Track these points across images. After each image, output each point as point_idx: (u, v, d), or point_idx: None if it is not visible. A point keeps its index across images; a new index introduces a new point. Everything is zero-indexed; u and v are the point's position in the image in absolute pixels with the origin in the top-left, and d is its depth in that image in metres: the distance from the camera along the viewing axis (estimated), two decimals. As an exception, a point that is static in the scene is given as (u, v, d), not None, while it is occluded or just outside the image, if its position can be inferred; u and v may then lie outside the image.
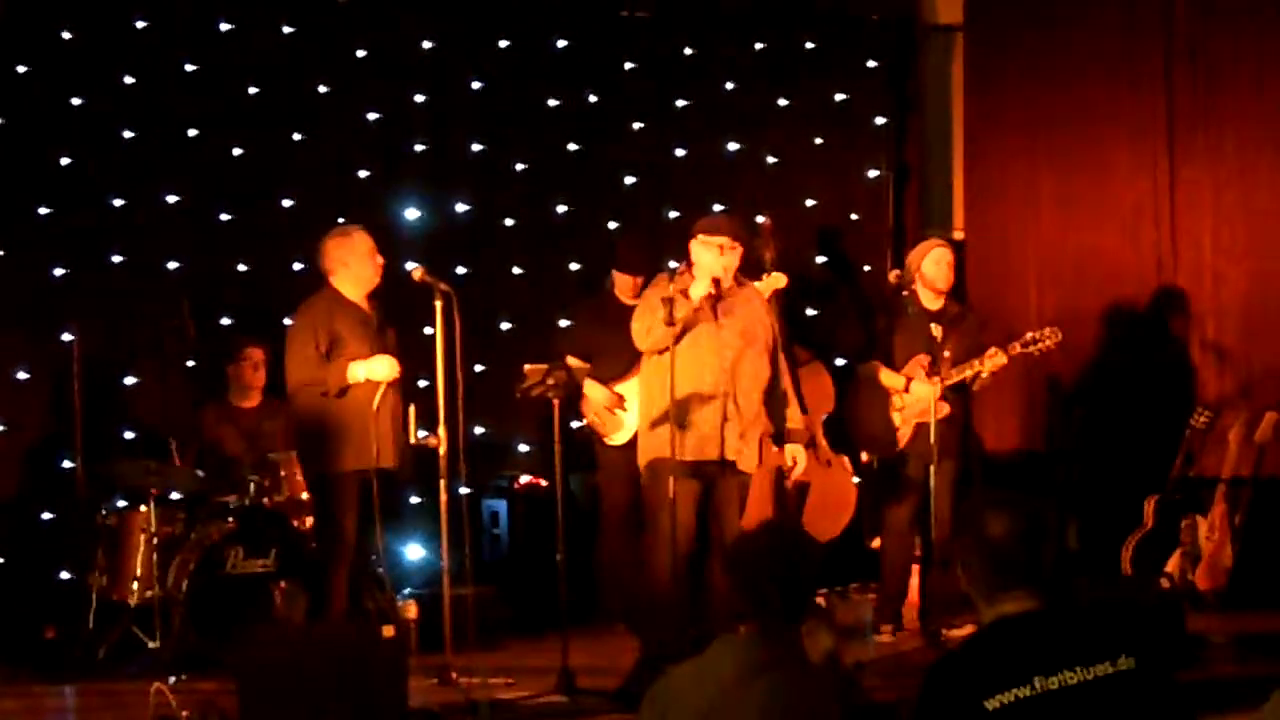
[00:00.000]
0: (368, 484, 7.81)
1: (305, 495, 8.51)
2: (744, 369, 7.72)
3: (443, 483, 7.49)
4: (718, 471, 7.65)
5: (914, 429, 8.53)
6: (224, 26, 9.74)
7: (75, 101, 9.34)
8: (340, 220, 8.45)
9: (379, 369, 7.80)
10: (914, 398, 8.50)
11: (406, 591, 8.71)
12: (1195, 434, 9.63)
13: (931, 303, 8.67)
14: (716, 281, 7.58)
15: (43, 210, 9.24)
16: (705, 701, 3.77)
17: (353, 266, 8.03)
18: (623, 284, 8.86)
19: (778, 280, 8.93)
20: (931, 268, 8.68)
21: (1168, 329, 10.45)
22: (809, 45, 11.15)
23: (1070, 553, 9.89)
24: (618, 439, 8.63)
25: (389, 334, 8.07)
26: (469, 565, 8.30)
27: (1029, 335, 8.59)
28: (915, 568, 9.15)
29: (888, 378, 8.63)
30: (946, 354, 8.48)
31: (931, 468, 8.31)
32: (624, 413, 8.60)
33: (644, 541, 7.82)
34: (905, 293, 8.67)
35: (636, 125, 10.70)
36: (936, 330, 8.52)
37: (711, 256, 7.64)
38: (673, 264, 7.90)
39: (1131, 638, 3.71)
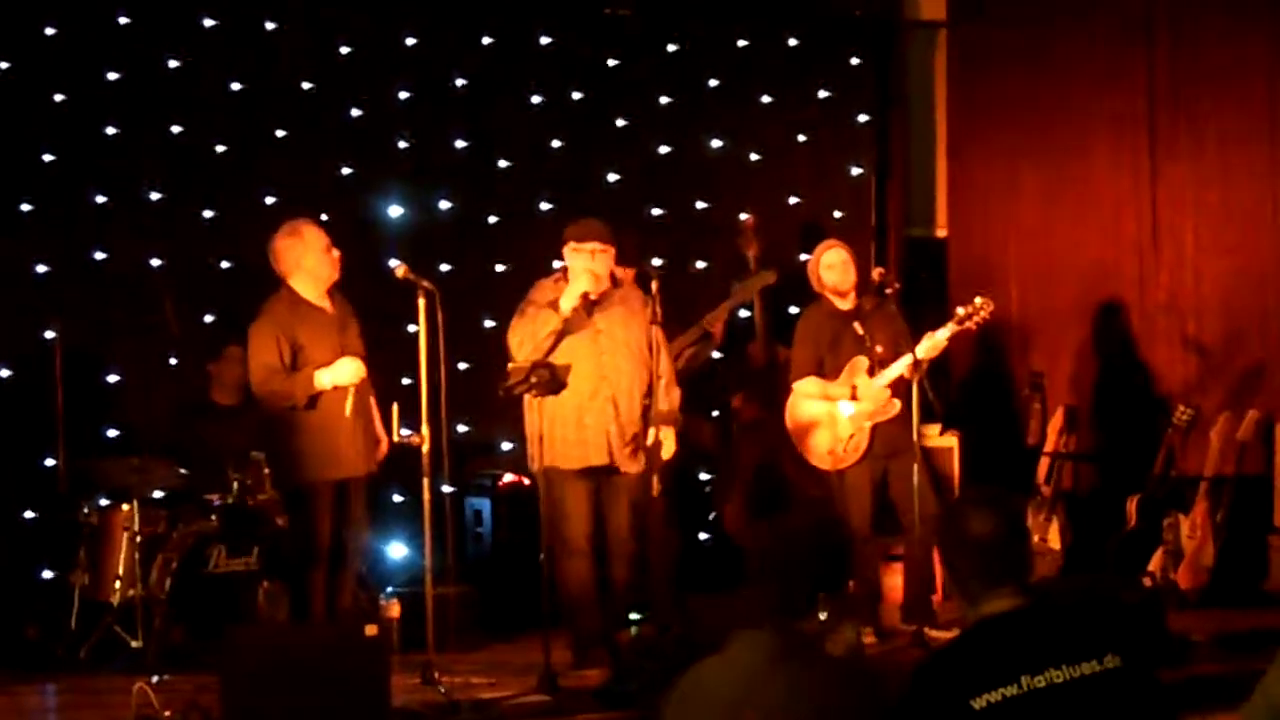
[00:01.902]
0: (343, 489, 7.78)
1: (286, 495, 8.48)
2: (624, 370, 7.88)
3: (425, 481, 7.47)
4: (604, 475, 7.84)
5: (870, 432, 8.50)
6: (207, 23, 9.73)
7: (58, 97, 9.34)
8: (324, 217, 8.43)
9: (343, 373, 7.70)
10: (865, 401, 8.46)
11: (389, 590, 8.69)
12: (1177, 432, 9.65)
13: (843, 305, 8.66)
14: (586, 294, 7.74)
15: (25, 206, 9.24)
16: (731, 693, 3.79)
17: (308, 266, 7.87)
18: (625, 279, 8.84)
19: (766, 277, 8.93)
20: (828, 274, 8.66)
21: (1149, 326, 10.46)
22: (792, 42, 11.15)
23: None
24: None
25: (351, 331, 7.95)
26: (451, 564, 8.31)
27: (961, 312, 8.51)
28: (887, 566, 9.18)
29: (829, 389, 8.57)
30: (879, 349, 8.47)
31: (916, 466, 8.31)
32: None
33: (551, 551, 7.87)
34: (820, 299, 8.67)
35: (620, 122, 10.70)
36: (860, 329, 8.51)
37: (583, 263, 7.79)
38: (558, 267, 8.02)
39: (1118, 636, 3.74)
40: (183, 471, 8.63)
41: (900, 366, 8.37)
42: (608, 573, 8.00)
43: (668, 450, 8.07)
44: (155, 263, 9.47)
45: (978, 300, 8.52)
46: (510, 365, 7.68)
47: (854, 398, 8.48)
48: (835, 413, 8.51)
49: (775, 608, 3.92)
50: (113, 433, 9.23)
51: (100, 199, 9.41)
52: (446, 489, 8.09)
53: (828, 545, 4.03)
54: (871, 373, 8.47)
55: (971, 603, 3.82)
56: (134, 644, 8.05)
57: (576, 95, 10.61)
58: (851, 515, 8.55)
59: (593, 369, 7.80)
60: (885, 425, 8.47)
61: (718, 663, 3.90)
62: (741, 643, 3.90)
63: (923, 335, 8.45)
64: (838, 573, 4.03)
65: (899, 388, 8.45)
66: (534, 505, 7.81)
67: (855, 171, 11.22)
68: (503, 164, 10.37)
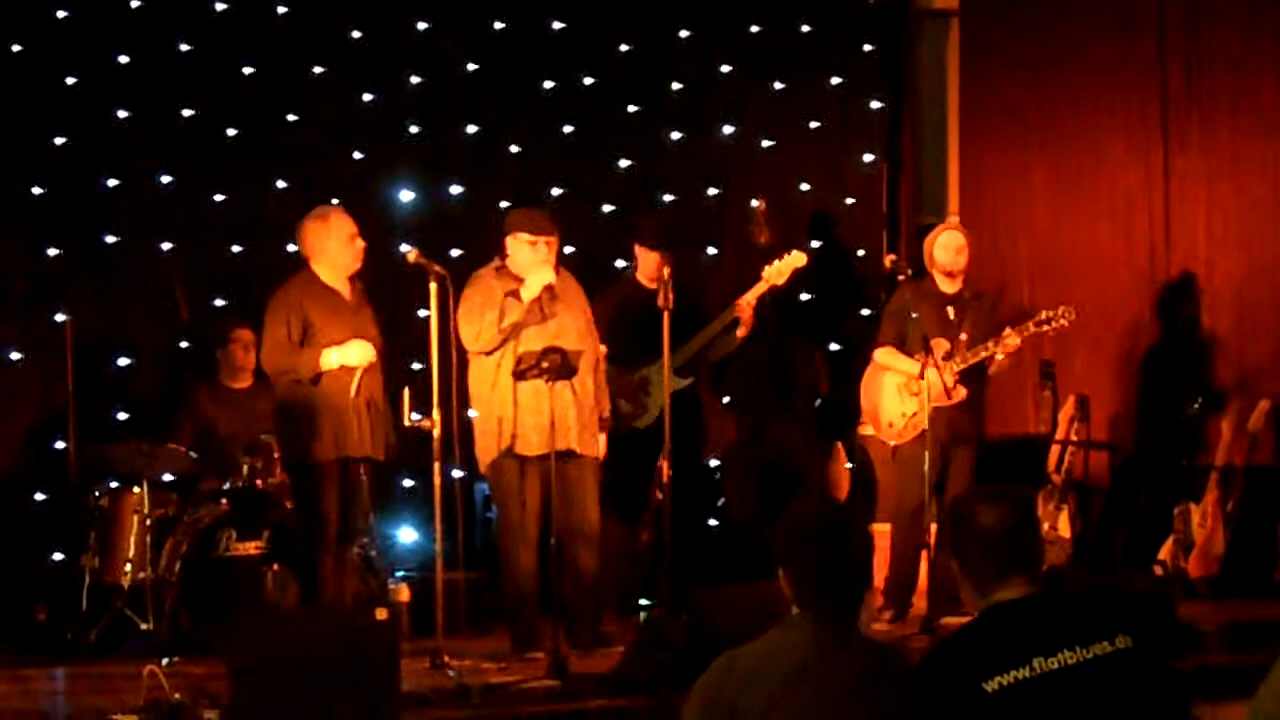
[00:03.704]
0: (348, 470, 7.77)
1: (295, 479, 8.49)
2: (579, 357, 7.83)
3: (436, 466, 7.46)
4: (562, 461, 7.73)
5: (931, 414, 8.49)
6: (219, 7, 9.74)
7: (69, 81, 9.34)
8: (334, 202, 8.43)
9: (352, 354, 7.68)
10: (929, 382, 8.45)
11: (399, 575, 8.70)
12: (1189, 421, 9.63)
13: (947, 286, 8.67)
14: (550, 285, 7.75)
15: (36, 191, 9.26)
16: (784, 677, 3.76)
17: (330, 251, 7.86)
18: (647, 263, 8.82)
19: (798, 259, 8.92)
20: (940, 253, 8.68)
21: (1162, 317, 10.44)
22: (804, 29, 11.13)
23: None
24: (642, 423, 8.64)
25: (365, 319, 7.93)
26: (461, 549, 8.32)
27: (1043, 314, 8.52)
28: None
29: (901, 362, 8.60)
30: (963, 337, 8.47)
31: (950, 453, 8.31)
32: (648, 397, 8.63)
33: (499, 537, 7.92)
34: (923, 278, 8.63)
35: (631, 109, 10.68)
36: (951, 314, 8.51)
37: (537, 255, 7.81)
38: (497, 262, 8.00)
39: (1128, 618, 3.75)
40: (192, 455, 8.62)
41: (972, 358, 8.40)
42: (575, 560, 7.91)
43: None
44: (166, 247, 9.48)
45: (1061, 308, 8.50)
46: (521, 350, 7.66)
47: (920, 376, 8.45)
48: (904, 387, 8.54)
49: (821, 593, 3.90)
50: (123, 416, 9.24)
51: (111, 183, 9.42)
52: (457, 474, 8.09)
53: (865, 535, 4.03)
54: (948, 357, 8.46)
55: (981, 593, 3.82)
56: (144, 627, 8.05)
57: (587, 81, 10.59)
58: (897, 493, 8.58)
59: None
60: (950, 411, 8.43)
61: (760, 649, 3.88)
62: (786, 628, 3.89)
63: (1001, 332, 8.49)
64: (859, 562, 4.01)
65: (969, 377, 8.45)
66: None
67: (867, 159, 11.20)
68: (513, 150, 10.36)
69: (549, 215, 8.04)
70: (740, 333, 8.85)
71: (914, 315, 8.53)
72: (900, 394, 8.59)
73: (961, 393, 8.43)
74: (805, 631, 3.86)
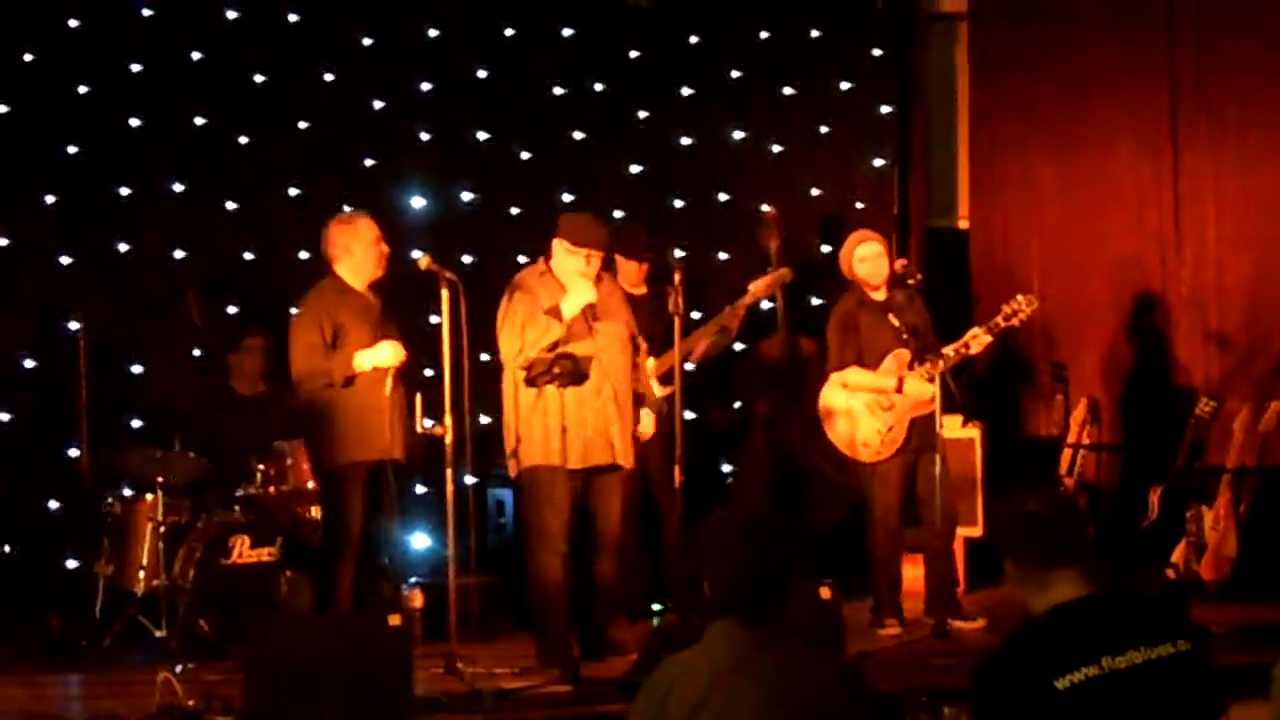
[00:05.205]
0: (376, 474, 7.79)
1: (311, 484, 8.50)
2: (618, 365, 7.84)
3: (448, 472, 7.46)
4: (600, 474, 7.77)
5: (908, 425, 8.48)
6: (230, 15, 9.76)
7: (82, 90, 9.38)
8: (346, 209, 8.46)
9: (384, 355, 7.72)
10: (910, 393, 8.43)
11: (412, 580, 8.72)
12: (1200, 423, 9.62)
13: (877, 295, 8.63)
14: (591, 304, 7.71)
15: (49, 198, 9.28)
16: (703, 684, 3.80)
17: (356, 255, 7.94)
18: (627, 271, 8.88)
19: (784, 275, 8.94)
20: (862, 267, 8.62)
21: (1172, 318, 10.44)
22: (813, 34, 11.15)
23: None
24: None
25: (390, 324, 7.98)
26: (474, 554, 8.33)
27: (1006, 309, 8.49)
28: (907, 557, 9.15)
29: (874, 380, 8.53)
30: (914, 342, 8.46)
31: (938, 459, 8.31)
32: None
33: (529, 545, 7.85)
34: (850, 289, 8.63)
35: (641, 114, 10.71)
36: (896, 321, 8.48)
37: (577, 264, 7.74)
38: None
39: (1184, 621, 3.89)
40: (205, 462, 8.64)
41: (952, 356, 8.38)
42: (595, 568, 7.90)
43: (645, 430, 8.09)
44: (178, 254, 9.52)
45: (1021, 298, 8.50)
46: (535, 355, 7.64)
47: (899, 390, 8.43)
48: (874, 403, 8.49)
49: (738, 599, 3.92)
50: (136, 423, 9.27)
51: (123, 191, 9.45)
52: (469, 480, 8.09)
53: (765, 539, 4.02)
54: (911, 365, 8.44)
55: (1037, 587, 3.86)
56: (158, 633, 8.07)
57: (598, 87, 10.62)
58: (879, 506, 8.54)
59: (597, 368, 7.72)
60: (920, 419, 8.45)
61: (686, 656, 3.91)
62: (711, 635, 3.92)
63: (965, 330, 8.47)
64: (777, 570, 4.01)
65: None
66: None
67: (877, 163, 11.22)
68: (524, 155, 10.39)
69: (599, 226, 7.91)
70: (726, 343, 8.96)
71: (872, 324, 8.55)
72: (872, 411, 8.52)
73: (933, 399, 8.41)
74: (725, 637, 3.89)
